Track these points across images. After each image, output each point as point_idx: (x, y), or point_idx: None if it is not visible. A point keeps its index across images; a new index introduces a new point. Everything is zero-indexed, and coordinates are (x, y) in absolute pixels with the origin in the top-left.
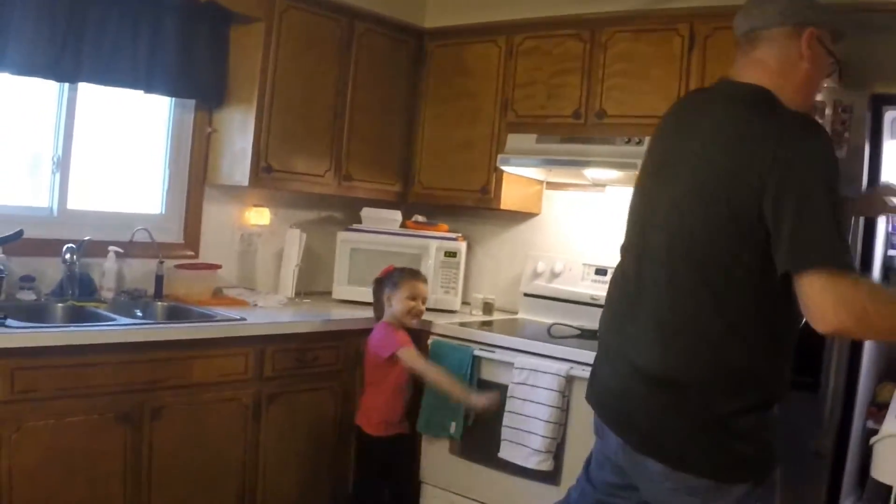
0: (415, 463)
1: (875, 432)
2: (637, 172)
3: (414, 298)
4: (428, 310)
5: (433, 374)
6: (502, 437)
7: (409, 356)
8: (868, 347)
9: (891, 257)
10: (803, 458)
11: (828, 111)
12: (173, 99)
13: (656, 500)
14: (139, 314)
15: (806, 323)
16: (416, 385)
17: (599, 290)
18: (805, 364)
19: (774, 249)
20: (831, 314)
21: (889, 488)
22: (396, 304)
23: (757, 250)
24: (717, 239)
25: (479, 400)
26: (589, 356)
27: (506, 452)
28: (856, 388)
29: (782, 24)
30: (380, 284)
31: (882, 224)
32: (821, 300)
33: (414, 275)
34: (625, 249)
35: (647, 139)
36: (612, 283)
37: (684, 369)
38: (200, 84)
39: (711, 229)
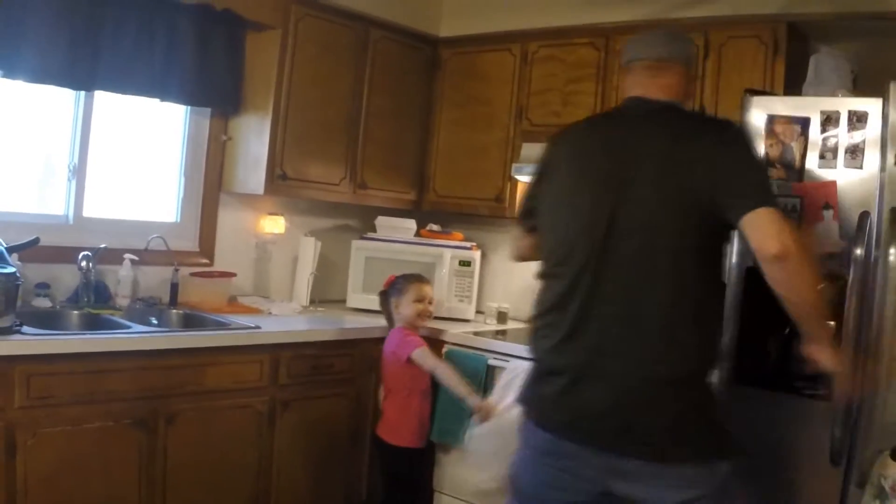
0: (430, 471)
1: None
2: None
3: (421, 300)
4: (442, 318)
5: (442, 370)
6: None
7: (421, 355)
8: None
9: None
10: (819, 465)
11: (842, 120)
12: (189, 107)
13: (649, 499)
14: (154, 322)
15: None
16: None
17: None
18: (819, 374)
19: (733, 199)
20: (784, 236)
21: None
22: (405, 309)
23: (717, 232)
24: (690, 229)
25: (476, 403)
26: None
27: None
28: None
29: (686, 66)
30: (385, 296)
31: None
32: (775, 226)
33: (417, 278)
34: (563, 268)
35: None
36: (552, 307)
37: (684, 362)
38: (216, 92)
39: (684, 222)
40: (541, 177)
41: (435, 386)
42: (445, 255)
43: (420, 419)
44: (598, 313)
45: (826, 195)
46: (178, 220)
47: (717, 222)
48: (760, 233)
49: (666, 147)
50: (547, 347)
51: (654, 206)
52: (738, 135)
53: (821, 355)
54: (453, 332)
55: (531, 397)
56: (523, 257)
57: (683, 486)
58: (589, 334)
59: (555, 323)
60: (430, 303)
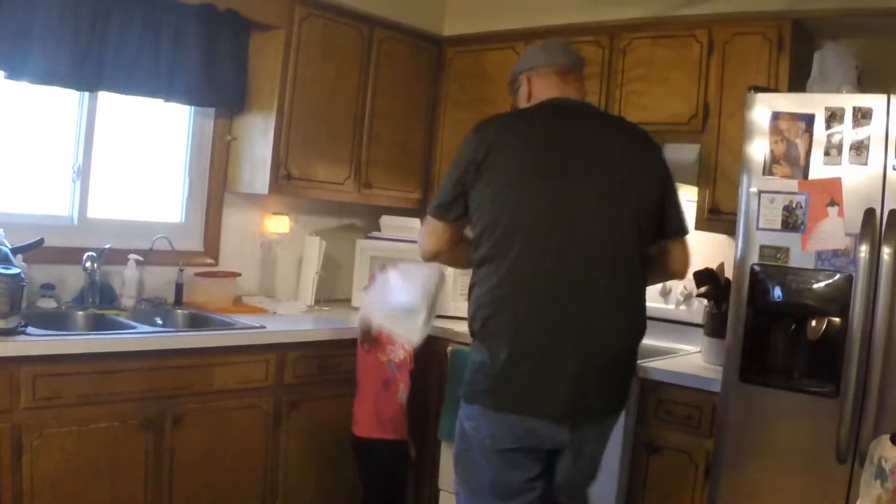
0: (433, 470)
1: None
2: None
3: None
4: (448, 317)
5: None
6: None
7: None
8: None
9: None
10: (826, 462)
11: (847, 116)
12: (193, 107)
13: (588, 452)
14: (159, 322)
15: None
16: (422, 394)
17: None
18: (825, 372)
19: (671, 221)
20: (689, 261)
21: None
22: None
23: (652, 227)
24: (640, 220)
25: None
26: None
27: None
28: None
29: (582, 73)
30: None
31: None
32: (688, 253)
33: None
34: (523, 254)
35: (662, 145)
36: (513, 290)
37: (637, 333)
38: (220, 92)
39: (636, 212)
40: (479, 166)
41: (441, 386)
42: None
43: (384, 409)
44: (567, 293)
45: (831, 192)
46: (183, 221)
47: (655, 220)
48: (683, 258)
49: (623, 148)
50: (512, 330)
51: (616, 197)
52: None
53: None
54: (459, 330)
55: (493, 385)
56: (439, 252)
57: (609, 433)
58: (559, 313)
59: (519, 305)
60: None
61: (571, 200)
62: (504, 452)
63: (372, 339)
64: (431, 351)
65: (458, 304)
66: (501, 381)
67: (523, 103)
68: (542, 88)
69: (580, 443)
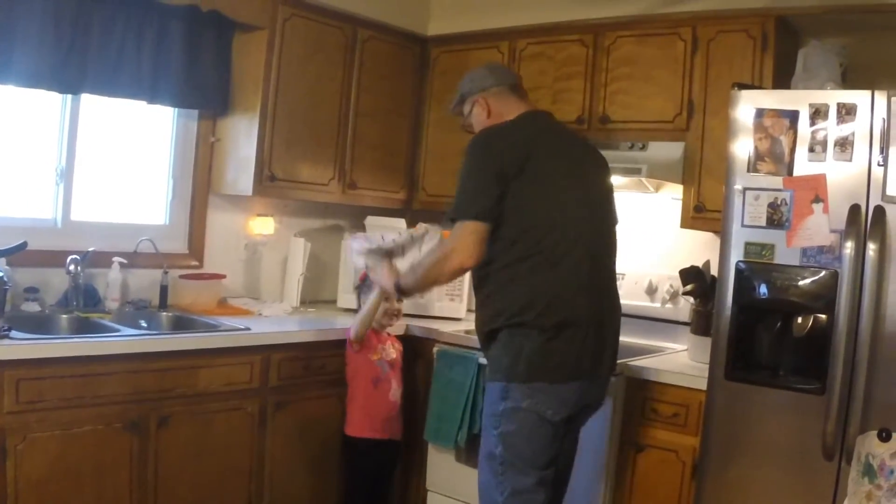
0: (420, 471)
1: None
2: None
3: (388, 298)
4: (433, 318)
5: (367, 307)
6: None
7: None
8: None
9: None
10: (813, 460)
11: (831, 113)
12: (177, 108)
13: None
14: (144, 325)
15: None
16: (408, 396)
17: None
18: (811, 369)
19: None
20: None
21: None
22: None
23: None
24: (614, 213)
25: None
26: None
27: None
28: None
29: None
30: (360, 291)
31: None
32: None
33: None
34: (572, 248)
35: (647, 144)
36: (561, 274)
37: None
38: (204, 93)
39: (612, 204)
40: (520, 169)
41: (427, 387)
42: None
43: (371, 409)
44: (597, 274)
45: (816, 188)
46: (167, 223)
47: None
48: None
49: (592, 151)
50: (570, 312)
51: (602, 196)
52: None
53: None
54: (444, 331)
55: (557, 361)
56: (482, 257)
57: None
58: (599, 293)
59: (571, 290)
60: (398, 300)
61: (591, 197)
62: (557, 423)
63: (362, 341)
64: (417, 352)
65: (443, 304)
66: (565, 357)
67: (482, 121)
68: (502, 105)
69: (603, 395)
